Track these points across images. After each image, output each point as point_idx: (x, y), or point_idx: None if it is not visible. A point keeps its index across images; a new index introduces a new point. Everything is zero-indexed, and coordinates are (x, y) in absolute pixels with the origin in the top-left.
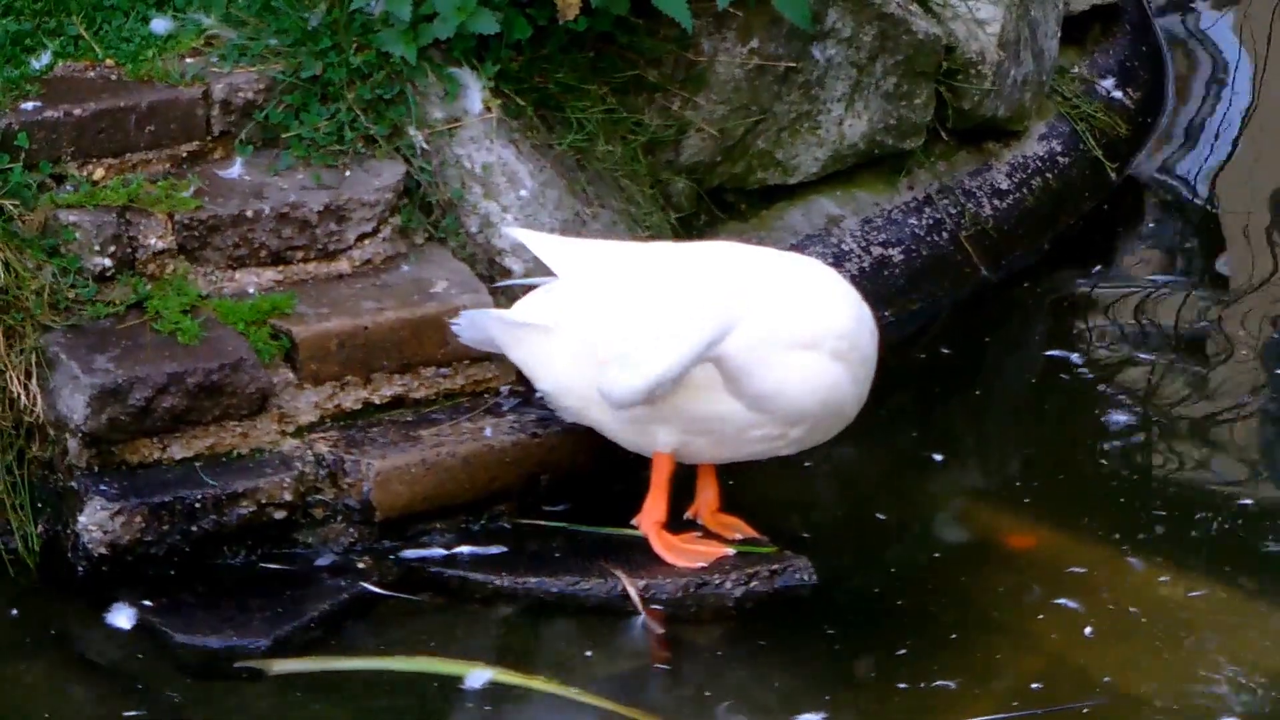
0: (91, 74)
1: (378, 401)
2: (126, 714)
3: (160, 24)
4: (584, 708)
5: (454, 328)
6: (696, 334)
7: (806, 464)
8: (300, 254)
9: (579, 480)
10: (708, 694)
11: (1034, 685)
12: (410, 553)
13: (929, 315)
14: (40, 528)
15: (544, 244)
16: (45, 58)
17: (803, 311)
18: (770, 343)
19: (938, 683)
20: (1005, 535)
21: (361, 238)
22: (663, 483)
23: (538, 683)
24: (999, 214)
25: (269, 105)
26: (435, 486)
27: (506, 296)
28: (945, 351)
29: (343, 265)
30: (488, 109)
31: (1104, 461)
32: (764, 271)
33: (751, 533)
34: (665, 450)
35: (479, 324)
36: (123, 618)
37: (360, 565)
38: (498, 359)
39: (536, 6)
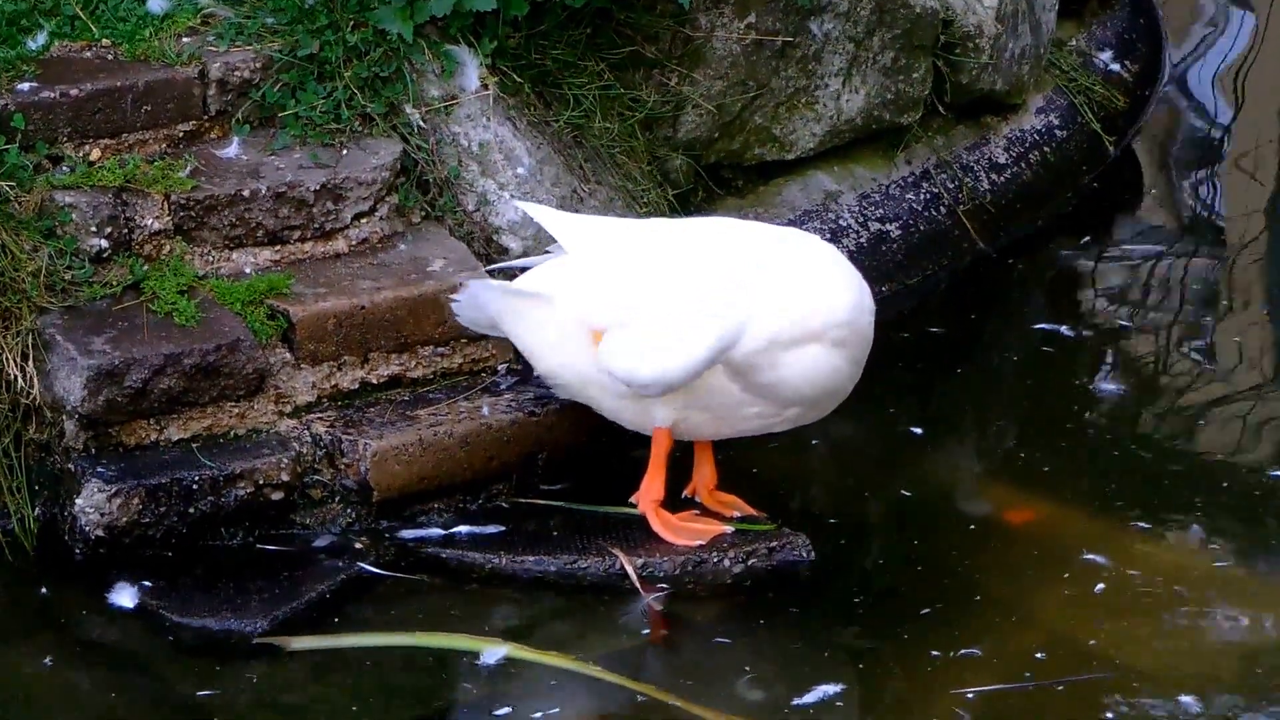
0: (88, 54)
1: (375, 381)
2: (125, 696)
3: (157, 3)
4: (599, 684)
5: (453, 305)
6: (704, 342)
7: (813, 441)
8: (297, 234)
9: (577, 459)
10: (708, 671)
11: (1036, 656)
12: (408, 533)
13: (927, 290)
14: (37, 510)
15: (549, 217)
16: (41, 38)
17: (806, 305)
18: (776, 344)
19: (937, 653)
20: (1003, 510)
21: (358, 217)
22: (660, 460)
23: (554, 659)
24: (996, 188)
25: (265, 84)
26: (433, 466)
27: (505, 277)
28: (943, 327)
29: (340, 244)
30: (485, 86)
31: (1103, 435)
32: (765, 259)
33: (749, 510)
34: (663, 425)
35: (480, 296)
36: (124, 597)
37: (358, 546)
38: (495, 337)
39: None
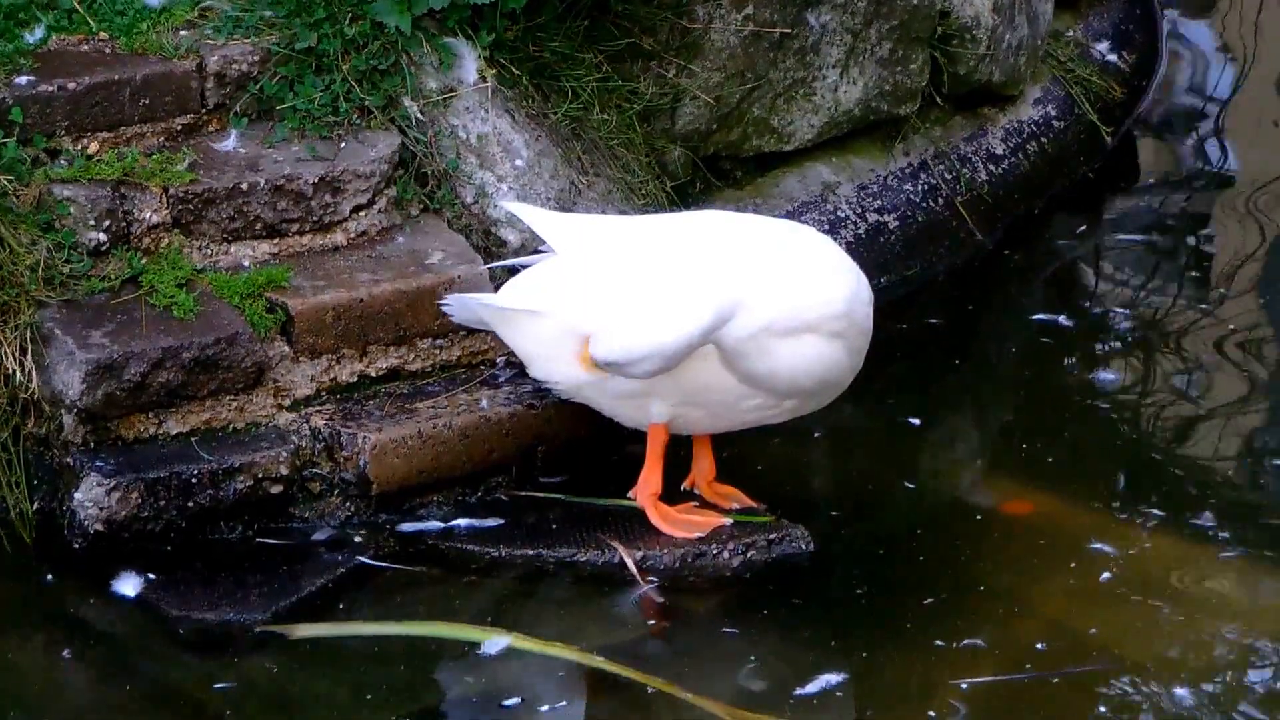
0: (85, 47)
1: (374, 374)
2: (123, 689)
3: None
4: (605, 676)
5: (444, 308)
6: (696, 316)
7: (814, 434)
8: (295, 226)
9: (576, 451)
10: (709, 662)
11: (1037, 647)
12: (407, 526)
13: (925, 281)
14: (36, 505)
15: (539, 218)
16: (39, 31)
17: (801, 295)
18: (770, 331)
19: (941, 643)
20: (1001, 502)
21: (357, 209)
22: (657, 454)
23: (557, 650)
24: (994, 179)
25: (263, 77)
26: (432, 459)
27: (505, 271)
28: (941, 318)
29: (338, 237)
30: (483, 79)
31: (1102, 425)
32: (761, 249)
33: (748, 502)
34: (660, 421)
35: (467, 305)
36: (124, 591)
37: (357, 539)
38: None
39: None
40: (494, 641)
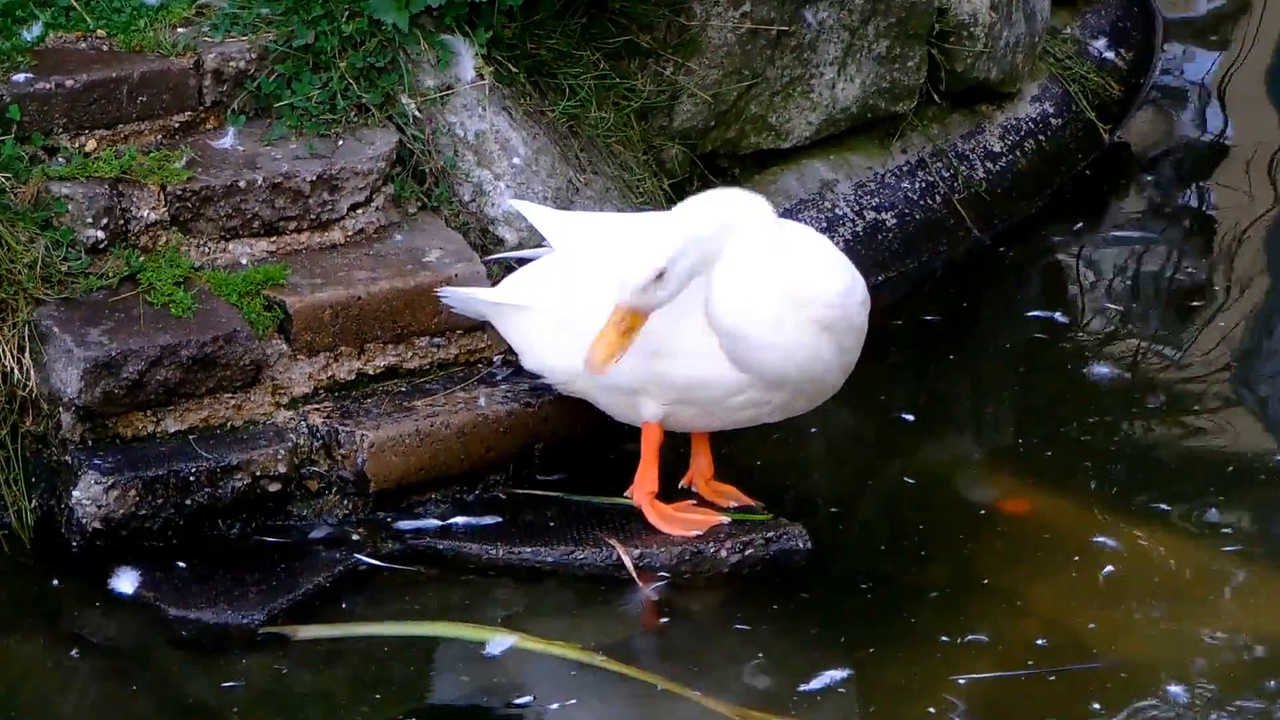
0: (83, 45)
1: (371, 372)
2: (122, 689)
3: None
4: (611, 674)
5: (442, 298)
6: (699, 218)
7: (811, 429)
8: (293, 224)
9: (573, 449)
10: (710, 660)
11: (1038, 643)
12: (405, 524)
13: (922, 278)
14: (34, 503)
15: (539, 215)
16: (36, 29)
17: (797, 276)
18: (762, 282)
19: (946, 639)
20: (1000, 498)
21: (354, 207)
22: (652, 453)
23: (562, 649)
24: (991, 177)
25: (261, 75)
26: (430, 457)
27: (501, 265)
28: (938, 314)
29: (336, 235)
30: (480, 76)
31: (1097, 421)
32: (761, 241)
33: (746, 500)
34: (652, 420)
35: (463, 301)
36: (122, 589)
37: (355, 537)
38: (492, 328)
39: None
40: (498, 641)
